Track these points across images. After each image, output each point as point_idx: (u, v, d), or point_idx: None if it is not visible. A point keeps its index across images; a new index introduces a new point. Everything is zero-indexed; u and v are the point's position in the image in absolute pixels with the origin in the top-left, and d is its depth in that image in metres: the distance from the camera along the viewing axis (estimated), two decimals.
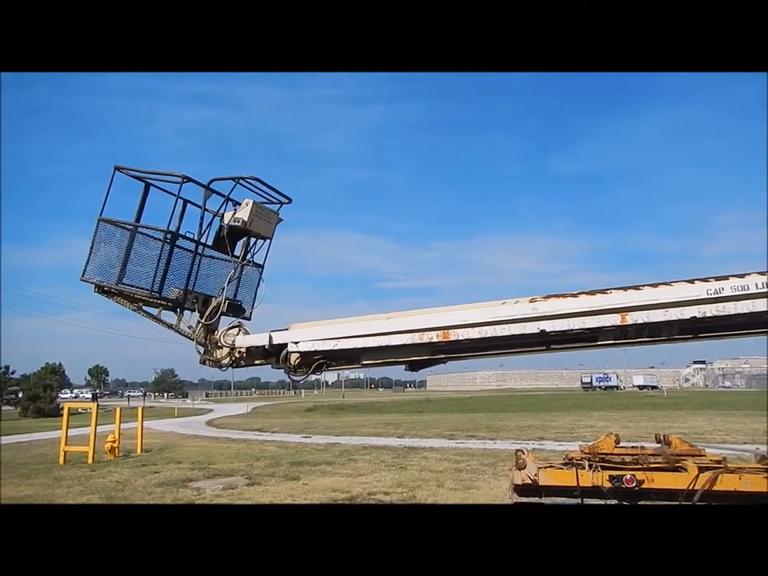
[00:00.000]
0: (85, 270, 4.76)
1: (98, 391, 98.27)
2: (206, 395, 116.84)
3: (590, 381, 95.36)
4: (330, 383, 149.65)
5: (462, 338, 4.20)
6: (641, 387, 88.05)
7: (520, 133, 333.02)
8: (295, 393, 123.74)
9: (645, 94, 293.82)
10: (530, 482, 4.59)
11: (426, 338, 4.28)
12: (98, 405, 18.05)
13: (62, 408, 19.31)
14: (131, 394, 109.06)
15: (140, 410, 19.73)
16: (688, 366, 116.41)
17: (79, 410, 29.69)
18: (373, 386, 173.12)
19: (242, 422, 33.02)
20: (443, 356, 4.56)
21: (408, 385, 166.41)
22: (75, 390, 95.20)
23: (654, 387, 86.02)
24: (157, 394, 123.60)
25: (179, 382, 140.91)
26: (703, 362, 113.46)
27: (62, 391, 74.45)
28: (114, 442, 16.07)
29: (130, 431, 19.61)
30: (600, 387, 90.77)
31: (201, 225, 4.85)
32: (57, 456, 15.17)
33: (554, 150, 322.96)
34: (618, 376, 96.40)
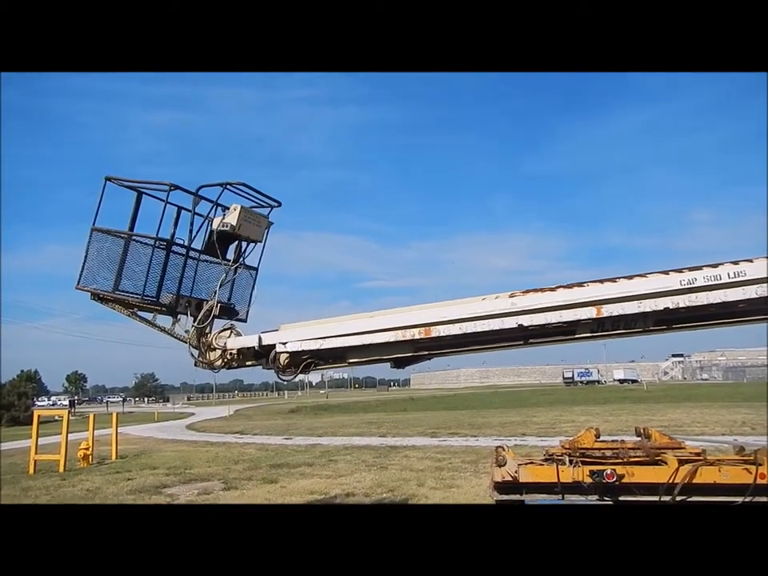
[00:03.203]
0: (80, 279, 4.83)
1: (75, 398, 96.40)
2: (188, 399, 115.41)
3: (571, 376, 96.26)
4: (313, 384, 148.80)
5: (443, 334, 4.24)
6: (621, 381, 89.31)
7: (493, 134, 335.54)
8: (278, 394, 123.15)
9: (612, 94, 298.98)
10: (510, 479, 4.56)
11: (408, 335, 4.31)
12: (69, 412, 17.62)
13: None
14: (110, 399, 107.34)
15: (114, 415, 19.31)
16: (667, 360, 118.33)
17: (56, 418, 29.06)
18: (357, 385, 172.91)
19: (223, 424, 32.67)
20: (426, 352, 4.58)
21: (392, 384, 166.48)
22: (53, 398, 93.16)
23: (634, 381, 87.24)
24: (137, 399, 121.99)
25: (160, 386, 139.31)
26: (681, 355, 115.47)
27: (39, 399, 73.03)
28: (86, 449, 15.73)
29: (106, 437, 19.09)
30: (581, 382, 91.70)
31: (191, 231, 4.96)
32: (27, 465, 14.79)
33: (525, 151, 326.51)
34: (598, 370, 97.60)
